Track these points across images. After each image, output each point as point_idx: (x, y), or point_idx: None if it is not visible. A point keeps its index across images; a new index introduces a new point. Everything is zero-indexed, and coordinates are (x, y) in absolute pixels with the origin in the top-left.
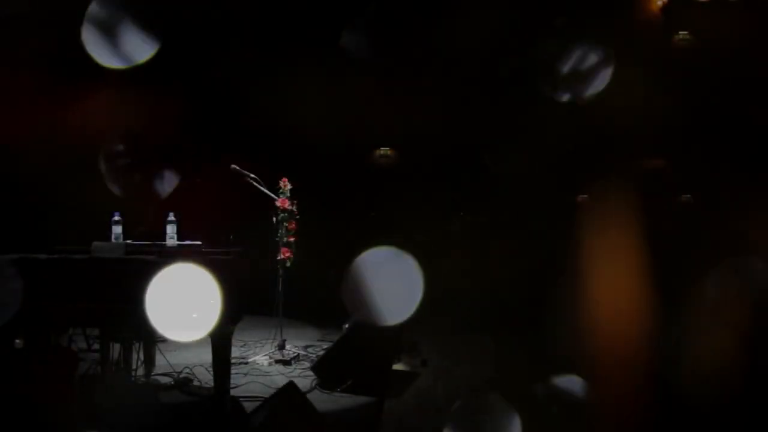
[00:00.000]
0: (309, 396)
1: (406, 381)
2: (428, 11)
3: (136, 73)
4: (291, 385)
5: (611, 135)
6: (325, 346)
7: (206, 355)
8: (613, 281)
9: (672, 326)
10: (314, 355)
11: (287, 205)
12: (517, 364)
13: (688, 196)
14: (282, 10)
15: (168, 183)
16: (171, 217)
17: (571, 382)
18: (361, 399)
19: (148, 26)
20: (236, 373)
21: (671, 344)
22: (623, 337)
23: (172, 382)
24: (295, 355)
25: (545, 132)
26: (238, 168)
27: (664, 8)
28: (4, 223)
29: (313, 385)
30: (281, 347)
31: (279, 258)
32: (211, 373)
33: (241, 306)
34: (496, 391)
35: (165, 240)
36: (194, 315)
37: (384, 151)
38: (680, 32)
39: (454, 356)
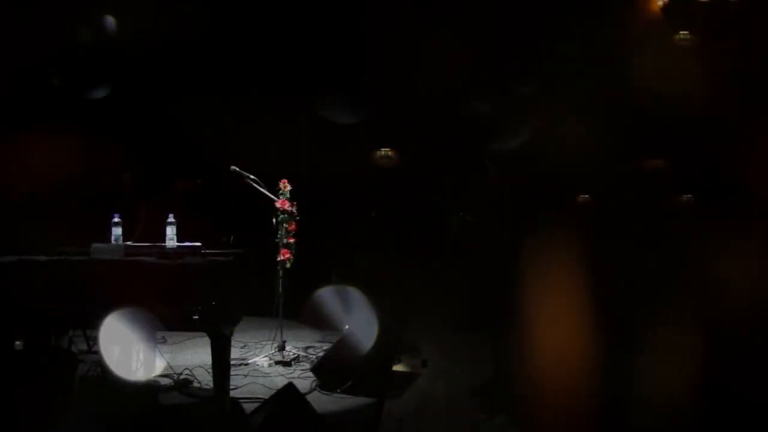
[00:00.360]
0: (309, 397)
1: (406, 381)
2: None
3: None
4: (291, 386)
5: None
6: (325, 348)
7: (206, 356)
8: (563, 312)
9: (625, 356)
10: (314, 357)
11: (287, 206)
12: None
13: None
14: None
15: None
16: (171, 218)
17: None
18: (361, 400)
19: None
20: (236, 374)
21: (623, 374)
22: (572, 366)
23: (172, 383)
24: (295, 356)
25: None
26: (237, 169)
27: (665, 8)
28: (4, 224)
29: (313, 386)
30: (281, 348)
31: (279, 259)
32: (211, 374)
33: (241, 307)
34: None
35: (164, 241)
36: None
37: (385, 151)
38: (681, 32)
39: (454, 356)
